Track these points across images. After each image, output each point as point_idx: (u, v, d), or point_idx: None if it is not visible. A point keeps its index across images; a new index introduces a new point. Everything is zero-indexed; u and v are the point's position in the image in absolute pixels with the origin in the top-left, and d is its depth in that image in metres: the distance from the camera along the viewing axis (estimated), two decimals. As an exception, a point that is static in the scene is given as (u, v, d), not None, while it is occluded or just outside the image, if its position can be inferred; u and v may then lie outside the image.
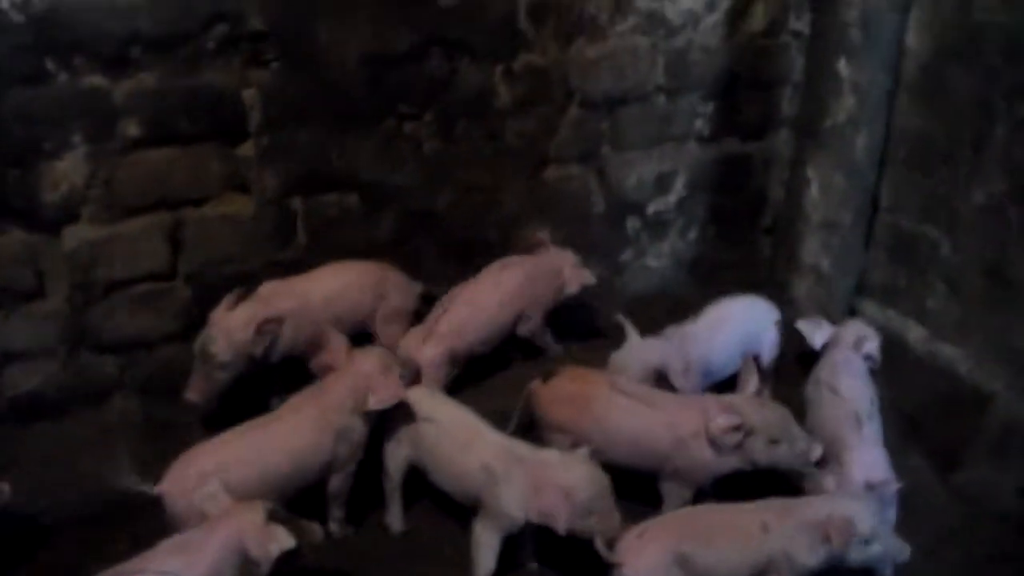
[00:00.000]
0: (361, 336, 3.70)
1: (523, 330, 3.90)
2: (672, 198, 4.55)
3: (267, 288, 3.56)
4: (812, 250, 4.09)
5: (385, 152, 3.86)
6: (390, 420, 3.23)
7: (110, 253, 3.54)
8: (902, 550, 2.96)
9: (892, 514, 3.15)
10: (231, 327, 3.40)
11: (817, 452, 3.18)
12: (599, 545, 2.79)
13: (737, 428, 3.12)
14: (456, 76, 3.88)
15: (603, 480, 2.84)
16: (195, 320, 3.65)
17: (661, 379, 3.54)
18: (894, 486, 3.12)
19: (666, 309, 4.11)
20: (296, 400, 3.22)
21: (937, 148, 4.07)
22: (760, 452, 3.16)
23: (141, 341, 3.69)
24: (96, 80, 3.35)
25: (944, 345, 4.00)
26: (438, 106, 3.89)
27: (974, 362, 3.79)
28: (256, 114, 3.61)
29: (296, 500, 3.02)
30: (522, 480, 2.89)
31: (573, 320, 4.17)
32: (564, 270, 3.93)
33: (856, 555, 2.89)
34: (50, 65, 3.27)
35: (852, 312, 4.23)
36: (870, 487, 3.11)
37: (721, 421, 3.13)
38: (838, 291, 4.14)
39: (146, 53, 3.38)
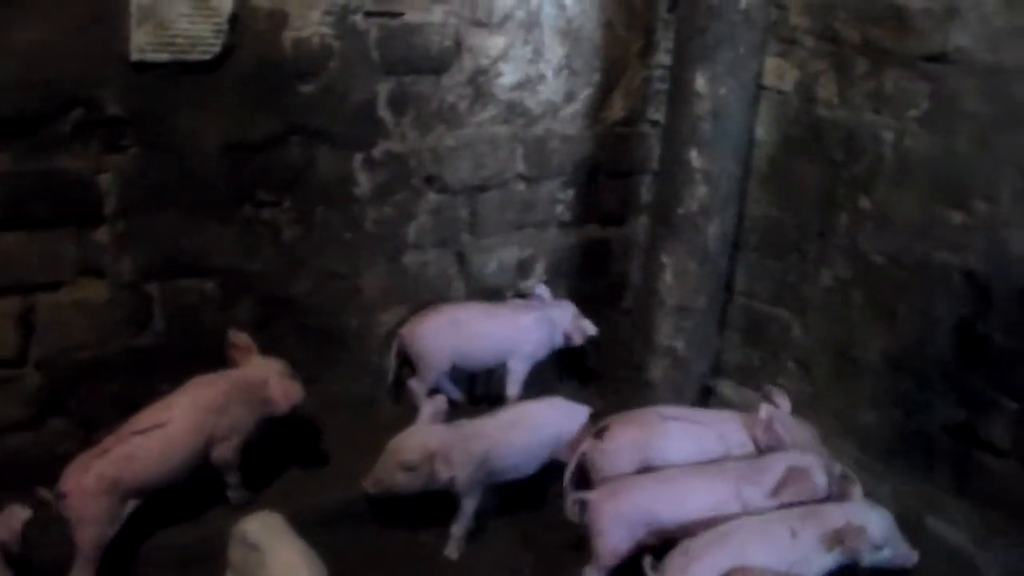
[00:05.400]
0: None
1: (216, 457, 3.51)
2: (533, 283, 4.59)
3: None
4: (667, 333, 4.17)
5: (243, 238, 3.86)
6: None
7: (-43, 339, 3.45)
8: None
9: None
10: None
11: None
12: None
13: None
14: (315, 163, 3.92)
15: None
16: (45, 408, 3.60)
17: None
18: None
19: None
20: None
21: (786, 235, 4.24)
22: None
23: (-12, 429, 3.58)
24: (-53, 162, 3.30)
25: (796, 423, 4.11)
26: (297, 193, 3.91)
27: (824, 439, 3.89)
28: (112, 199, 3.58)
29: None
30: None
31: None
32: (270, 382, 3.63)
33: None
34: (-101, 145, 3.22)
35: (709, 392, 4.32)
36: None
37: None
38: (693, 373, 4.23)
39: None
